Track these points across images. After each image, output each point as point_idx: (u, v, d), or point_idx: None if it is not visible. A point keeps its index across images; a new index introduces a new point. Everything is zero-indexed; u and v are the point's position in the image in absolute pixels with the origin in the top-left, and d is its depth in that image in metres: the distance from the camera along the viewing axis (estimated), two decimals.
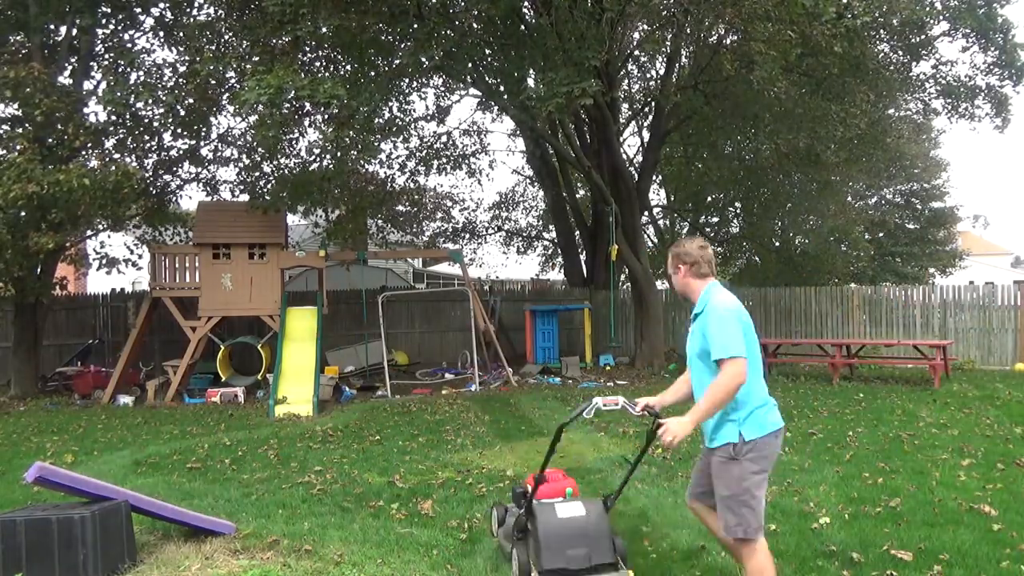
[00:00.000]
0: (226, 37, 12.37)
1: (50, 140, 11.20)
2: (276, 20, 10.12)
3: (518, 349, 16.25)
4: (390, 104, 13.81)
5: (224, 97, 12.47)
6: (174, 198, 14.11)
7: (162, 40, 13.13)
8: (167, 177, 13.66)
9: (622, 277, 18.37)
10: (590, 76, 10.71)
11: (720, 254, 26.23)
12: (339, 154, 12.36)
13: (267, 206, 12.25)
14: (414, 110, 15.37)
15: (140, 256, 13.86)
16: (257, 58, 11.05)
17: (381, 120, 12.96)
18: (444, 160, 16.78)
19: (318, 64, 12.73)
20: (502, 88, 13.87)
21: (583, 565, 3.40)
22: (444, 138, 17.58)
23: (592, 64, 10.97)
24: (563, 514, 3.53)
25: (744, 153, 19.20)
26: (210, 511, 5.00)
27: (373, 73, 12.43)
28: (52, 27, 12.22)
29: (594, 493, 5.40)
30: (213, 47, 11.85)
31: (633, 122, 20.80)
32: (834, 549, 4.06)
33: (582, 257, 19.26)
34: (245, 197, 13.56)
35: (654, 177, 20.18)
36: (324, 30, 10.57)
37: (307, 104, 11.15)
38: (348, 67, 12.67)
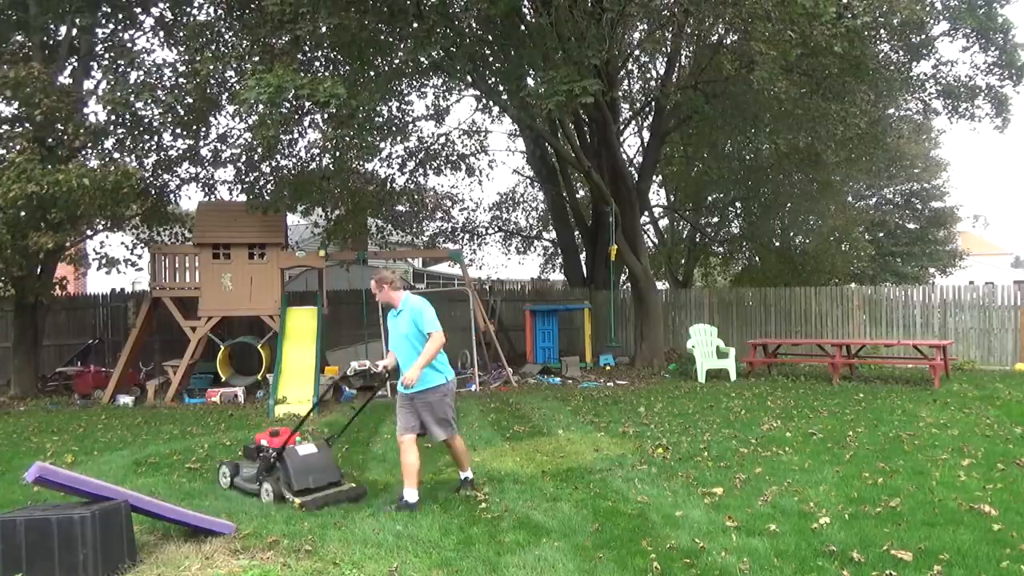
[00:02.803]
0: (226, 37, 12.37)
1: (50, 140, 11.19)
2: (276, 19, 10.12)
3: (518, 349, 16.24)
4: (390, 104, 13.80)
5: (224, 97, 12.46)
6: (173, 198, 14.10)
7: (162, 40, 13.13)
8: (166, 177, 13.65)
9: (622, 277, 18.37)
10: (590, 75, 10.70)
11: (720, 254, 26.29)
12: (338, 153, 12.35)
13: (267, 206, 12.25)
14: (413, 110, 15.37)
15: (140, 256, 13.86)
16: (257, 58, 11.05)
17: (381, 119, 12.96)
18: (443, 160, 16.76)
19: (317, 64, 12.72)
20: (501, 88, 13.87)
21: (320, 484, 5.25)
22: (443, 139, 17.57)
23: (592, 63, 10.96)
24: (303, 452, 5.36)
25: (744, 153, 19.19)
26: (210, 511, 5.00)
27: (372, 73, 12.43)
28: (52, 27, 12.21)
29: (592, 494, 5.40)
30: (213, 47, 11.85)
31: (633, 122, 20.79)
32: (834, 549, 4.06)
33: (582, 257, 19.25)
34: (244, 197, 13.56)
35: (654, 177, 20.18)
36: (324, 29, 10.57)
37: (307, 103, 11.14)
38: (347, 67, 12.67)
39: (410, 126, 15.57)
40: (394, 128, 13.92)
